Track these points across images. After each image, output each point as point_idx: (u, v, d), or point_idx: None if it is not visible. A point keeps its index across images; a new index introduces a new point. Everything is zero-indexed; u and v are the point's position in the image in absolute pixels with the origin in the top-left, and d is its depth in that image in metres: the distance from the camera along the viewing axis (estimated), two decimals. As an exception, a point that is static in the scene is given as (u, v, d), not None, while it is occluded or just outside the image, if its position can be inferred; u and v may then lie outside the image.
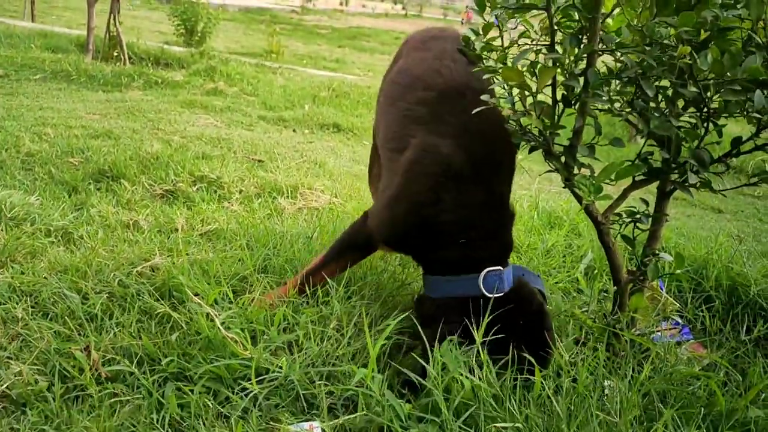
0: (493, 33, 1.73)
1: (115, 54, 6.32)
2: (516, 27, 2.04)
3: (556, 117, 1.66)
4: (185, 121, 4.12)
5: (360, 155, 3.98)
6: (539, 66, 1.69)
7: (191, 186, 2.80)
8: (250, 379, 1.49)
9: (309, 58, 14.86)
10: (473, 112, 1.60)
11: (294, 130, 4.49)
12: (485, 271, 1.56)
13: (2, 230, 2.04)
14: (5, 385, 1.42)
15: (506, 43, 1.78)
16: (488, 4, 1.79)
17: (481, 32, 1.84)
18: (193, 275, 1.87)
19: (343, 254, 1.84)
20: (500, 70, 1.57)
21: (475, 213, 1.62)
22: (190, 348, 1.58)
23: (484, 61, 1.83)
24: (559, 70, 1.59)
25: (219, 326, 1.54)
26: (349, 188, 3.09)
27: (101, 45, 6.47)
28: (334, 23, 27.44)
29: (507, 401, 1.38)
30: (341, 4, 30.97)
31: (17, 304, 1.73)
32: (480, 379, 1.41)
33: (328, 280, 1.80)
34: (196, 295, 1.71)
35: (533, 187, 3.25)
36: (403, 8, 34.06)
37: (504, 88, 1.79)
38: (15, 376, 1.45)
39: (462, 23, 29.96)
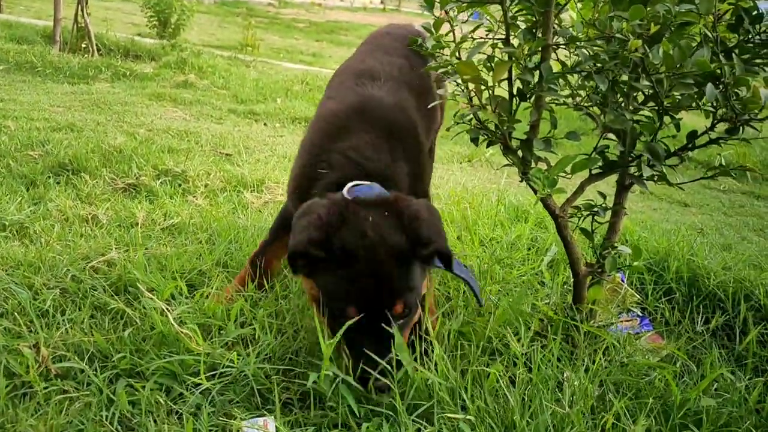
0: (445, 29, 1.73)
1: (83, 45, 6.19)
2: (467, 21, 2.03)
3: (512, 111, 1.66)
4: (152, 114, 4.05)
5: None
6: (495, 60, 1.70)
7: (155, 180, 2.75)
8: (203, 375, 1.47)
9: (286, 51, 14.73)
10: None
11: (265, 124, 4.44)
12: (350, 184, 1.57)
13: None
14: (-52, 384, 1.38)
15: (458, 38, 1.77)
16: (437, 1, 1.78)
17: (432, 29, 1.83)
18: (149, 270, 1.84)
19: (279, 232, 1.89)
20: (455, 65, 1.57)
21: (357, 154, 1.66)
22: (143, 344, 1.55)
23: (437, 57, 1.82)
24: (515, 64, 1.59)
25: (172, 321, 1.52)
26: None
27: (69, 36, 6.33)
28: (311, 17, 27.21)
29: (461, 393, 1.38)
30: (319, -3, 30.78)
31: (-36, 301, 1.68)
32: (434, 373, 1.40)
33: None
34: (151, 290, 1.68)
35: (502, 181, 3.26)
36: (381, 2, 33.95)
37: (458, 84, 1.79)
38: (-42, 375, 1.41)
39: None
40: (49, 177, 2.66)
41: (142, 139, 3.36)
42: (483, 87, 1.58)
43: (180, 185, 2.80)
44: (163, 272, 1.85)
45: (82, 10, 6.15)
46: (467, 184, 3.35)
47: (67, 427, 1.32)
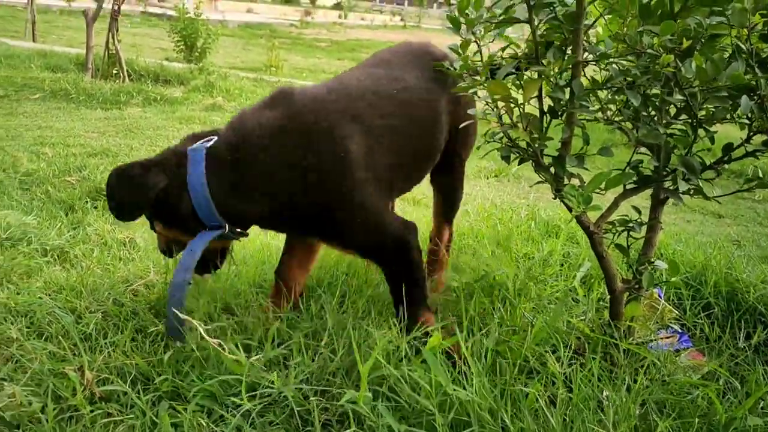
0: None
1: (115, 72, 6.37)
2: (493, 40, 2.05)
3: (543, 128, 1.66)
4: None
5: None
6: (524, 78, 1.71)
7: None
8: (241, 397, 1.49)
9: (309, 71, 14.92)
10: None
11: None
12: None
13: (6, 251, 2.05)
14: (-1, 407, 1.42)
15: (482, 59, 1.79)
16: (463, 22, 1.81)
17: (460, 50, 1.85)
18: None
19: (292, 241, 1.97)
20: (486, 85, 1.58)
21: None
22: (184, 366, 1.58)
23: (465, 78, 1.83)
24: (545, 81, 1.60)
25: (211, 342, 1.54)
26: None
27: (100, 63, 6.52)
28: (333, 36, 27.56)
29: (501, 413, 1.37)
30: (340, 17, 31.19)
31: (12, 324, 1.74)
32: (473, 392, 1.40)
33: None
34: (190, 312, 1.71)
35: (531, 196, 3.24)
36: (402, 20, 34.25)
37: (488, 103, 1.80)
38: (8, 398, 1.45)
39: (460, 33, 30.16)
40: (87, 202, 2.73)
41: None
42: (513, 105, 1.59)
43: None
44: (200, 294, 1.88)
45: (113, 38, 6.34)
46: (495, 200, 3.34)
47: (112, 449, 1.34)
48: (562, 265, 2.44)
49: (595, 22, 1.56)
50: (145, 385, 1.54)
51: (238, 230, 1.76)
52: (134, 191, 1.66)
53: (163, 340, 1.67)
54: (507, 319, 1.88)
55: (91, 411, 1.42)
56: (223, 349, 1.54)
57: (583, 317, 2.01)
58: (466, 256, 2.31)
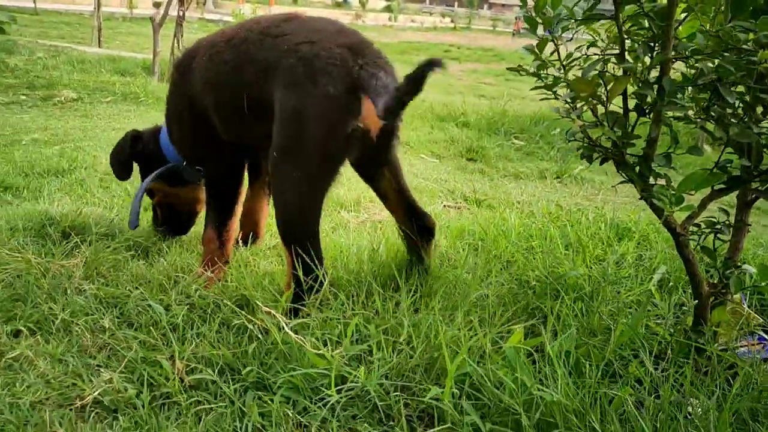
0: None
1: (179, 75, 6.59)
2: (572, 39, 2.02)
3: (627, 127, 1.63)
4: (248, 138, 4.25)
5: (417, 168, 4.00)
6: (607, 75, 1.68)
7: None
8: (326, 389, 1.52)
9: (360, 73, 15.03)
10: None
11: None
12: None
13: (90, 245, 2.16)
14: (97, 392, 1.50)
15: (559, 57, 1.77)
16: (539, 21, 1.79)
17: (536, 50, 1.84)
18: (263, 288, 1.93)
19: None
20: (571, 82, 1.56)
21: None
22: (267, 358, 1.62)
23: (543, 78, 1.82)
24: (630, 79, 1.57)
25: (295, 337, 1.58)
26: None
27: (166, 67, 6.77)
28: (383, 38, 27.73)
29: (589, 416, 1.35)
30: (390, 19, 31.34)
31: (104, 314, 1.83)
32: (559, 393, 1.38)
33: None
34: (268, 312, 1.75)
35: (599, 198, 3.18)
36: (452, 21, 34.09)
37: (567, 101, 1.78)
38: (106, 384, 1.53)
39: (513, 34, 29.73)
40: (164, 199, 2.84)
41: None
42: (598, 103, 1.57)
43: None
44: (277, 289, 1.92)
45: (177, 43, 6.58)
46: (561, 202, 3.29)
47: (204, 436, 1.39)
48: (636, 268, 2.38)
49: (686, 18, 1.52)
50: (232, 376, 1.59)
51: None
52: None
53: (246, 332, 1.72)
54: (583, 321, 1.85)
55: (186, 399, 1.47)
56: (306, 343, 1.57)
57: (660, 321, 1.96)
58: (538, 255, 2.29)
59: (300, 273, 1.78)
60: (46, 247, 2.20)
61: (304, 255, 1.76)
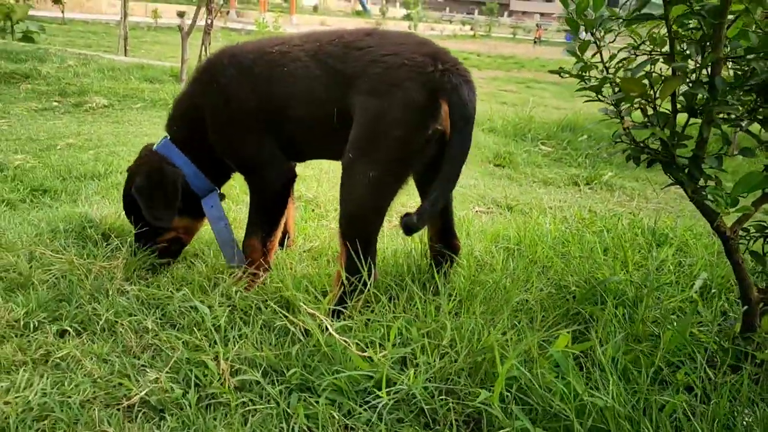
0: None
1: (206, 83, 6.68)
2: (614, 40, 2.00)
3: (676, 127, 1.61)
4: (276, 144, 4.28)
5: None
6: (654, 76, 1.66)
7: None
8: (370, 392, 1.51)
9: (381, 81, 15.11)
10: None
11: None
12: None
13: (130, 247, 2.18)
14: (144, 392, 1.51)
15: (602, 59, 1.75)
16: (581, 23, 1.78)
17: (578, 52, 1.83)
18: (304, 289, 1.93)
19: None
20: (620, 83, 1.55)
21: None
22: (310, 360, 1.62)
23: (586, 80, 1.81)
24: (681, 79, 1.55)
25: (339, 338, 1.58)
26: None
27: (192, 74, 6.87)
28: (403, 46, 27.61)
29: (643, 423, 1.32)
30: (410, 27, 31.47)
31: (146, 315, 1.84)
32: (611, 398, 1.36)
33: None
34: (312, 313, 1.75)
35: (632, 205, 3.13)
36: (472, 29, 34.09)
37: (610, 104, 1.76)
38: (152, 384, 1.54)
39: (534, 42, 29.64)
40: (198, 203, 2.86)
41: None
42: (647, 104, 1.55)
43: (313, 210, 2.92)
44: (316, 292, 1.92)
45: (205, 51, 6.66)
46: (593, 208, 3.25)
47: (251, 436, 1.39)
48: (676, 274, 2.34)
49: (737, 17, 1.50)
50: (276, 377, 1.59)
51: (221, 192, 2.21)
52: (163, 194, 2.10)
53: (288, 334, 1.72)
54: (627, 327, 1.82)
55: (235, 399, 1.47)
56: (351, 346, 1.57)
57: (703, 329, 1.92)
58: (575, 261, 2.26)
59: (350, 272, 1.81)
60: (87, 248, 2.23)
61: (360, 254, 1.78)
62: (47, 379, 1.54)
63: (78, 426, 1.40)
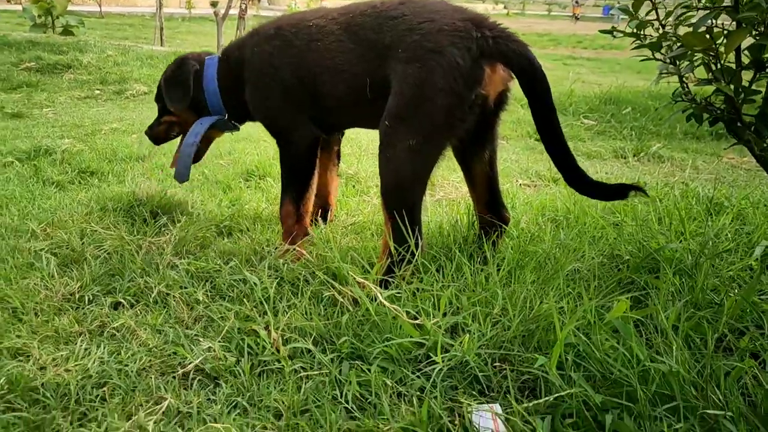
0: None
1: (241, 68, 6.74)
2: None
3: (742, 83, 1.52)
4: (314, 124, 4.27)
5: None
6: (716, 31, 1.57)
7: (331, 182, 2.89)
8: (421, 361, 1.49)
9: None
10: None
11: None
12: None
13: (176, 223, 2.21)
14: (198, 360, 1.52)
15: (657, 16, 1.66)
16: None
17: (632, 9, 1.75)
18: (351, 260, 1.92)
19: None
20: (681, 37, 1.47)
21: None
22: (360, 329, 1.61)
23: (641, 39, 1.74)
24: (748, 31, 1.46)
25: (391, 306, 1.56)
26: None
27: (228, 60, 6.93)
28: (435, 28, 27.26)
29: (709, 388, 1.27)
30: (441, 8, 30.93)
31: (196, 288, 1.86)
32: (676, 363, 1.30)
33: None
34: (361, 283, 1.73)
35: (684, 175, 3.02)
36: (505, 7, 33.43)
37: (668, 61, 1.68)
38: (206, 352, 1.55)
39: (577, 18, 28.81)
40: (240, 182, 2.89)
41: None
42: (712, 59, 1.47)
43: (354, 186, 2.91)
44: (362, 262, 1.91)
45: (240, 35, 6.70)
46: (642, 179, 3.14)
47: (306, 403, 1.39)
48: (734, 242, 2.24)
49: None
50: (326, 346, 1.58)
51: (233, 123, 2.30)
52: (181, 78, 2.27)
53: (336, 304, 1.71)
54: (686, 295, 1.76)
55: (289, 366, 1.47)
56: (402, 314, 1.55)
57: (765, 297, 1.83)
58: (627, 230, 2.18)
59: (397, 242, 1.79)
60: (136, 225, 2.27)
61: (406, 223, 1.76)
62: (104, 348, 1.57)
63: (136, 393, 1.42)
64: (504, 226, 2.06)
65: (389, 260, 1.81)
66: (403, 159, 1.75)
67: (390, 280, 1.80)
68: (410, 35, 1.74)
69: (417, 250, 1.79)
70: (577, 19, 29.26)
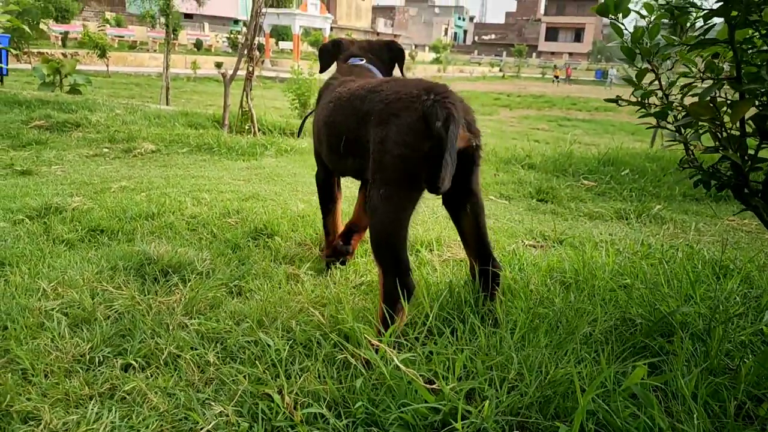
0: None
1: (247, 127, 6.88)
2: (672, 68, 2.00)
3: (747, 151, 1.57)
4: (319, 183, 4.34)
5: (489, 209, 3.97)
6: (719, 100, 1.64)
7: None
8: (438, 428, 1.47)
9: (413, 122, 15.32)
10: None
11: (420, 188, 4.58)
12: None
13: (189, 283, 2.21)
14: (210, 425, 1.50)
15: (661, 86, 1.73)
16: (638, 52, 1.78)
17: (635, 80, 1.83)
18: (365, 321, 1.92)
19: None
20: (688, 107, 1.53)
21: None
22: (375, 393, 1.59)
23: (647, 108, 1.80)
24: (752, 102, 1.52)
25: (406, 370, 1.55)
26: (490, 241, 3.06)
27: (233, 120, 7.08)
28: (433, 89, 28.08)
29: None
30: (439, 70, 32.02)
31: (207, 349, 1.85)
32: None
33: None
34: (375, 346, 1.73)
35: (688, 237, 3.05)
36: (500, 70, 34.47)
37: (673, 130, 1.74)
38: (218, 417, 1.53)
39: (560, 80, 29.83)
40: (249, 240, 2.90)
41: (317, 206, 3.59)
42: (717, 127, 1.52)
43: (362, 244, 2.93)
44: (371, 326, 1.91)
45: (246, 97, 6.89)
46: (646, 241, 3.17)
47: (321, 471, 1.36)
48: (742, 305, 2.24)
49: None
50: (341, 411, 1.56)
51: None
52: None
53: (350, 367, 1.70)
54: (700, 360, 1.75)
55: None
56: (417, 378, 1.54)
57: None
58: (636, 293, 2.19)
59: (388, 284, 1.92)
60: (146, 284, 2.27)
61: (392, 266, 1.92)
62: (115, 412, 1.55)
63: (148, 459, 1.39)
64: (498, 272, 2.17)
65: (385, 306, 1.89)
66: (379, 207, 1.97)
67: (391, 322, 1.84)
68: (380, 105, 2.07)
69: (407, 279, 1.93)
70: (558, 79, 30.18)
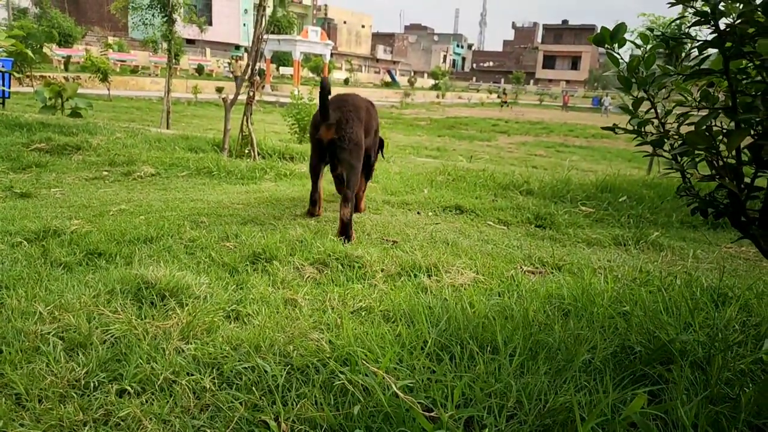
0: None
1: (246, 151, 6.91)
2: (668, 97, 2.03)
3: (743, 179, 1.59)
4: (318, 208, 4.34)
5: (487, 235, 3.97)
6: (715, 129, 1.66)
7: (338, 265, 2.91)
8: (437, 456, 1.45)
9: (411, 147, 15.43)
10: None
11: (418, 213, 4.59)
12: None
13: (184, 307, 2.20)
14: (205, 453, 1.48)
15: (657, 115, 1.76)
16: (634, 81, 1.81)
17: (632, 108, 1.86)
18: (358, 345, 1.90)
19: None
20: (685, 136, 1.55)
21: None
22: (372, 421, 1.58)
23: (644, 136, 1.83)
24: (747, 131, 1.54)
25: (404, 398, 1.53)
26: (489, 266, 3.07)
27: (233, 144, 7.12)
28: (432, 115, 28.57)
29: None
30: (438, 96, 32.34)
31: (203, 375, 1.83)
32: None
33: None
34: (373, 370, 1.72)
35: (688, 263, 3.05)
36: (498, 96, 34.84)
37: (670, 158, 1.76)
38: (213, 445, 1.51)
39: (564, 108, 30.13)
40: (247, 265, 2.90)
41: (316, 230, 3.59)
42: (713, 155, 1.54)
43: (359, 268, 2.92)
44: (372, 353, 1.89)
45: (247, 121, 6.93)
46: (644, 268, 3.17)
47: (318, 501, 1.34)
48: (741, 334, 2.24)
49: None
50: (337, 439, 1.54)
51: None
52: None
53: (347, 393, 1.68)
54: (700, 389, 1.74)
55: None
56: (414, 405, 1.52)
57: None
58: (635, 320, 2.18)
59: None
60: (143, 308, 2.26)
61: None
62: (109, 439, 1.53)
63: (141, 488, 1.37)
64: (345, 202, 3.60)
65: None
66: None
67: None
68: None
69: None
70: (564, 107, 30.56)
